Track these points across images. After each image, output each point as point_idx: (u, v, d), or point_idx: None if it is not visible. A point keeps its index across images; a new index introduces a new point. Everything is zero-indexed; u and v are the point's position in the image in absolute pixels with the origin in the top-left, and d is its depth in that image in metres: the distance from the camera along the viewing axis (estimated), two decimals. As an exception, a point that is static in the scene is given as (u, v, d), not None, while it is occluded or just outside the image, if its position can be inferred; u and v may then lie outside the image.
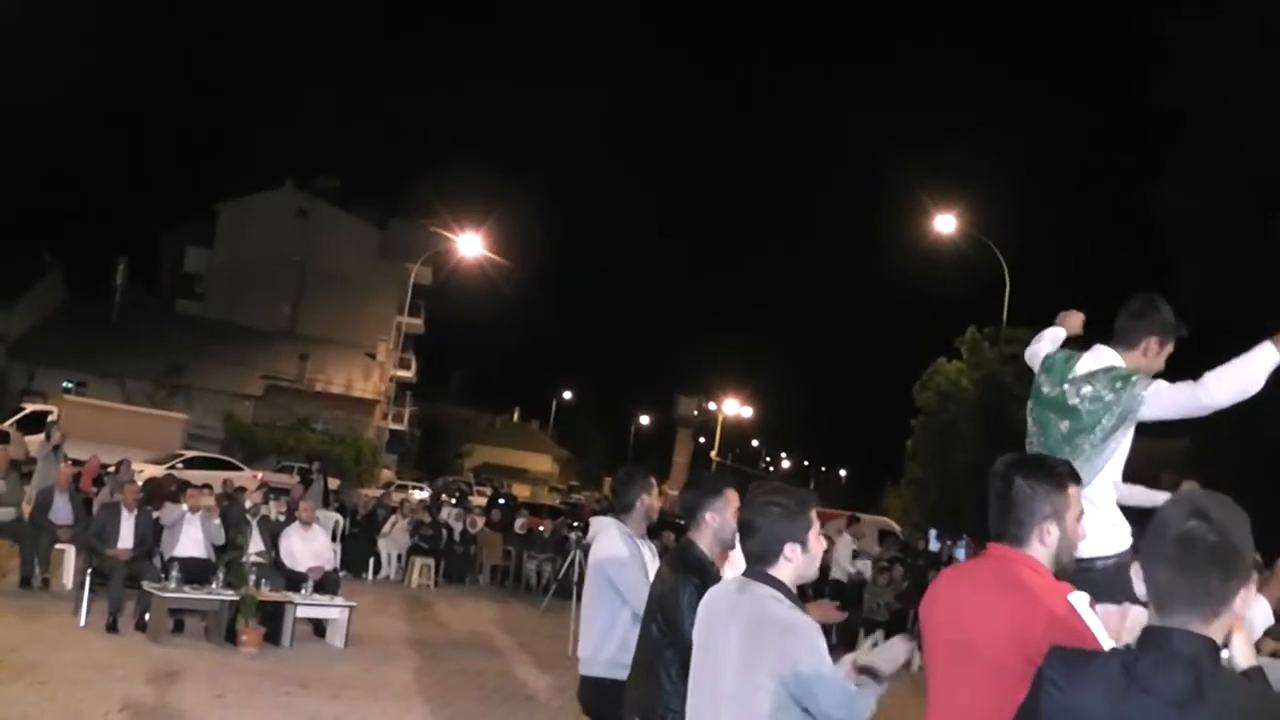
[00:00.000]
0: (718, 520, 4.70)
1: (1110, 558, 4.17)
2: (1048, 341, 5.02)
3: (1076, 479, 3.22)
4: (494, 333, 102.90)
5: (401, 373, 62.63)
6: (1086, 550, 3.93)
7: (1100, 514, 4.16)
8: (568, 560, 17.42)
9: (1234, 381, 4.10)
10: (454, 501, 29.56)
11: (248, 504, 15.52)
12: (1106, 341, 4.56)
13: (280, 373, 57.35)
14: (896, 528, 40.18)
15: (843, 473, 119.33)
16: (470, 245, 47.18)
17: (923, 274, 75.72)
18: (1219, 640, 2.28)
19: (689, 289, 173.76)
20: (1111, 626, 3.31)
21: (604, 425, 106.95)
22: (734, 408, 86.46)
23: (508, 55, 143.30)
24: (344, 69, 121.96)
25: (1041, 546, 3.11)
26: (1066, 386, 4.42)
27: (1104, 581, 3.98)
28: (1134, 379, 4.29)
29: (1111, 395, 4.28)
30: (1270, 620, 3.77)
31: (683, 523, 5.14)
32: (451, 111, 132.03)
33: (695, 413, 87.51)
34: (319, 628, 12.90)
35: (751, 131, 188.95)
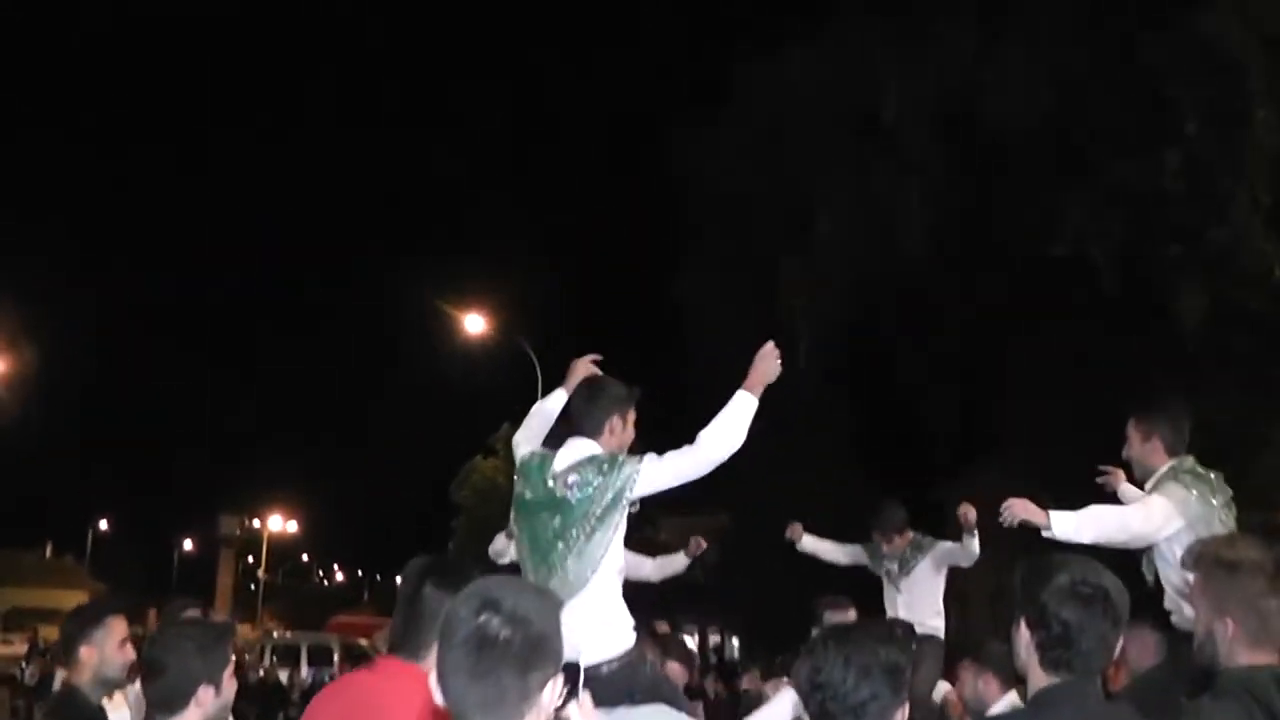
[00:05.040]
0: (96, 656, 3.99)
1: (615, 660, 4.08)
2: (539, 419, 4.87)
3: None
4: (13, 464, 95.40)
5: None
6: (589, 657, 3.89)
7: (601, 614, 4.14)
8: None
9: (728, 434, 4.27)
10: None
11: None
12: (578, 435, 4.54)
13: None
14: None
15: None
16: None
17: (455, 375, 76.54)
18: None
19: (217, 405, 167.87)
20: None
21: (147, 552, 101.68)
22: (278, 523, 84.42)
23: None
24: None
25: None
26: (552, 483, 4.33)
27: (610, 686, 3.91)
28: (619, 459, 4.30)
29: (600, 479, 4.23)
30: None
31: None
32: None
33: (238, 531, 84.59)
34: None
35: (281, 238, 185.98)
